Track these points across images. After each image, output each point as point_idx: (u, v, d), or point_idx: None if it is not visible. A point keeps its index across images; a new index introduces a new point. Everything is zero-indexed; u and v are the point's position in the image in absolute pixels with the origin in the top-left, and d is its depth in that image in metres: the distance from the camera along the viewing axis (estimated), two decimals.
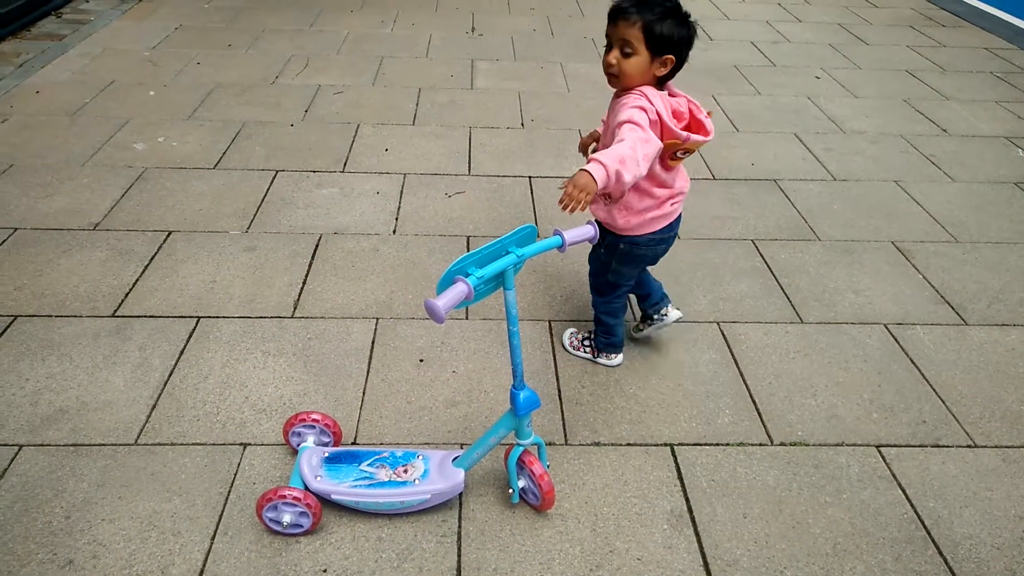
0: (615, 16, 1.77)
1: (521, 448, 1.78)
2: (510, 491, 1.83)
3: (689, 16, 1.77)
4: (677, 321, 2.32)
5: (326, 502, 1.79)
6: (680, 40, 1.76)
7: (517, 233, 1.53)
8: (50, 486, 1.86)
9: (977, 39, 5.58)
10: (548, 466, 1.91)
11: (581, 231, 1.60)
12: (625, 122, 1.74)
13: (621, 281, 2.17)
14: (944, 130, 4.06)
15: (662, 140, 1.78)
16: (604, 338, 2.29)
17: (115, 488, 1.87)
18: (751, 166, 3.59)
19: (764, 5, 6.26)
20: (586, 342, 2.36)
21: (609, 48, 1.81)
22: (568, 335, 2.41)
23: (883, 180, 3.51)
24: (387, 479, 1.77)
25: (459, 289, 1.39)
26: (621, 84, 1.83)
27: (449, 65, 4.72)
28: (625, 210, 1.96)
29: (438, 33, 5.29)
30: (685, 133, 1.78)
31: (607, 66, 1.81)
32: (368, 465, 1.81)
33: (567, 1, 6.13)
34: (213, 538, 1.76)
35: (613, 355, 2.31)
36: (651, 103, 1.77)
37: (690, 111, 1.87)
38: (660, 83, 1.84)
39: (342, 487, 1.75)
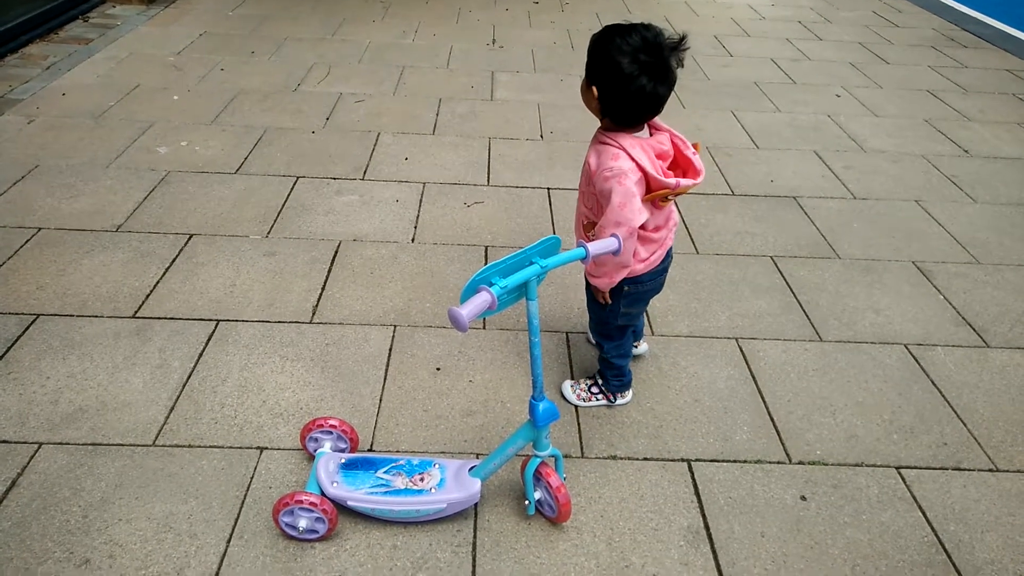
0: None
1: (539, 460, 1.77)
2: (526, 502, 1.82)
3: (642, 32, 1.63)
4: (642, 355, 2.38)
5: (342, 508, 1.79)
6: (594, 58, 1.65)
7: (541, 244, 1.53)
8: (68, 485, 1.87)
9: (1000, 61, 5.55)
10: (565, 478, 1.90)
11: (605, 243, 1.59)
12: (608, 197, 1.68)
13: (632, 321, 2.09)
14: (966, 151, 4.04)
15: (650, 191, 1.72)
16: (617, 381, 2.19)
17: (132, 488, 1.87)
18: (771, 183, 3.58)
19: (784, 23, 6.26)
20: (594, 389, 2.22)
21: None
22: (569, 388, 2.24)
23: (904, 199, 3.49)
24: (403, 487, 1.77)
25: (482, 298, 1.39)
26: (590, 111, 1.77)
27: (469, 76, 4.74)
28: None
29: (459, 44, 5.32)
30: (674, 181, 1.68)
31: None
32: (384, 472, 1.81)
33: (587, 15, 6.16)
34: (229, 541, 1.76)
35: (628, 391, 2.24)
36: (631, 160, 1.67)
37: (675, 147, 1.77)
38: (628, 121, 1.72)
39: (358, 494, 1.75)
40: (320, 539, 1.76)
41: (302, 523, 1.72)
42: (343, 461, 1.84)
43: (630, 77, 1.61)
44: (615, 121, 1.72)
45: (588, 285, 2.03)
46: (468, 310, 1.35)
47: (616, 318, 2.04)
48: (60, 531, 1.76)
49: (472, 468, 1.81)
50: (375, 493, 1.76)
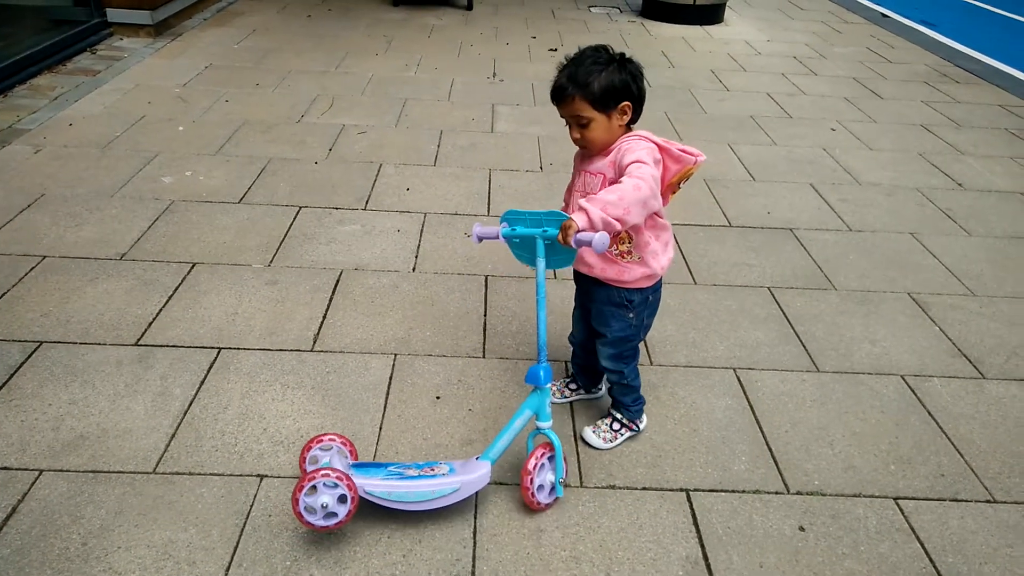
0: (555, 100, 1.82)
1: (537, 431, 1.91)
2: (559, 481, 1.96)
3: (623, 55, 1.79)
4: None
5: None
6: (624, 85, 1.77)
7: (556, 213, 1.71)
8: (68, 512, 1.88)
9: (992, 96, 5.65)
10: (565, 474, 1.97)
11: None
12: (634, 162, 1.73)
13: (644, 335, 2.13)
14: (960, 184, 4.10)
15: (675, 172, 1.82)
16: (637, 404, 2.18)
17: (132, 516, 1.88)
18: (767, 214, 3.63)
19: (780, 59, 6.38)
20: (615, 427, 2.19)
21: (569, 125, 1.84)
22: (592, 434, 2.19)
23: (899, 232, 3.54)
24: (416, 475, 1.83)
25: (494, 229, 1.78)
26: (598, 149, 1.85)
27: (470, 109, 4.82)
28: (657, 254, 1.94)
29: (460, 78, 5.41)
30: (692, 158, 1.80)
31: (576, 143, 1.86)
32: (395, 468, 1.87)
33: None
34: (228, 569, 1.76)
35: (644, 413, 2.25)
36: (651, 141, 1.79)
37: None
38: (631, 125, 1.87)
39: (374, 480, 1.79)
40: (336, 526, 1.74)
41: (324, 500, 1.70)
42: (351, 463, 1.88)
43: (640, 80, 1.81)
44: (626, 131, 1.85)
45: (598, 333, 2.07)
46: (481, 229, 1.80)
47: (641, 331, 2.09)
48: (60, 558, 1.76)
49: (479, 456, 1.89)
50: (391, 477, 1.81)
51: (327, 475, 1.71)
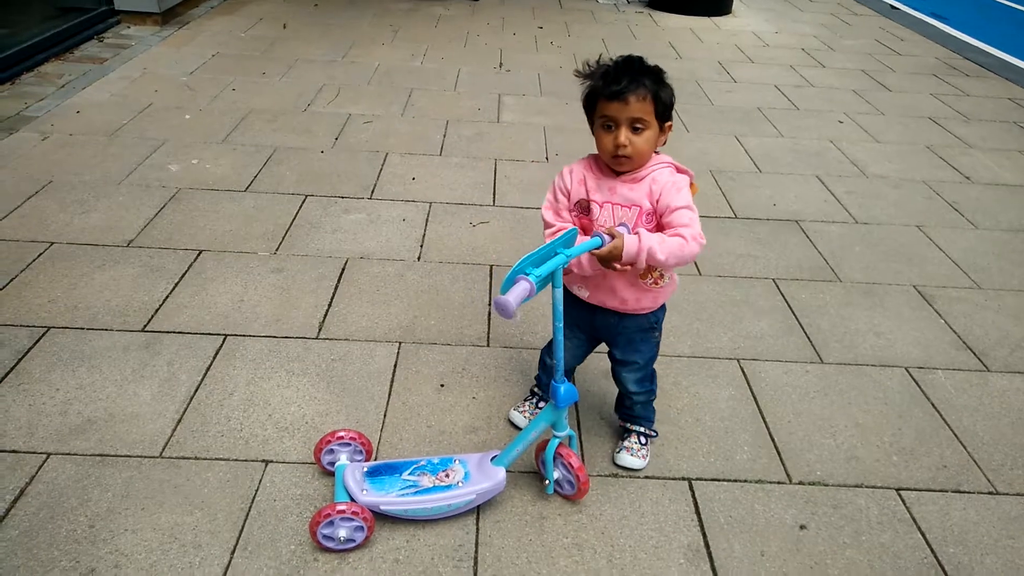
0: (623, 93, 1.63)
1: (558, 440, 1.87)
2: (545, 482, 1.94)
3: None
4: None
5: (375, 514, 1.82)
6: (672, 103, 1.70)
7: (563, 236, 1.63)
8: (75, 495, 1.90)
9: (1001, 89, 5.61)
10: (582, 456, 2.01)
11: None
12: (684, 207, 1.68)
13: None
14: (967, 177, 4.08)
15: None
16: (653, 411, 2.14)
17: (139, 499, 1.90)
18: (773, 206, 3.62)
19: (788, 50, 6.34)
20: (642, 440, 2.11)
21: (612, 127, 1.68)
22: (630, 458, 2.07)
23: (905, 225, 3.53)
24: (431, 485, 1.84)
25: (523, 287, 1.50)
26: (634, 164, 1.72)
27: (476, 99, 4.82)
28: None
29: (467, 68, 5.40)
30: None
31: (619, 148, 1.67)
32: (409, 474, 1.86)
33: (593, 40, 6.26)
34: (233, 553, 1.77)
35: None
36: (679, 169, 1.75)
37: None
38: None
39: (390, 497, 1.80)
40: (356, 548, 1.79)
41: (342, 533, 1.74)
42: (366, 469, 1.88)
43: None
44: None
45: (623, 363, 1.99)
46: (514, 296, 1.48)
47: (657, 350, 2.02)
48: (67, 540, 1.78)
49: (494, 457, 1.89)
50: (406, 494, 1.81)
51: (343, 512, 1.72)
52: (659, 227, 1.73)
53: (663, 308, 1.96)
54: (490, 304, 2.76)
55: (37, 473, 1.95)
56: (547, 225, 1.88)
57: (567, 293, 1.91)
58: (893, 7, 8.12)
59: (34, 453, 2.01)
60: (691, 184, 1.78)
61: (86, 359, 2.35)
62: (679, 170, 1.77)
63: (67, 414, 2.14)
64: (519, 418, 2.21)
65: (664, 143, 1.75)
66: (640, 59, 1.70)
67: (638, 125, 1.66)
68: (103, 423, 2.12)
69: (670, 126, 1.73)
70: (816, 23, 7.32)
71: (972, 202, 3.79)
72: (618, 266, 1.64)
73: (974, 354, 2.65)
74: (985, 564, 1.87)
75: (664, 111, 1.68)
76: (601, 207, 1.77)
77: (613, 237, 1.63)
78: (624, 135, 1.66)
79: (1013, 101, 5.36)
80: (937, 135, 4.65)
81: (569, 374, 2.21)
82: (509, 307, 1.46)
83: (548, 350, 2.15)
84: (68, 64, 4.93)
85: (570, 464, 1.89)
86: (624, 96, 1.63)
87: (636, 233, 1.64)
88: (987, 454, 2.22)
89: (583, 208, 1.81)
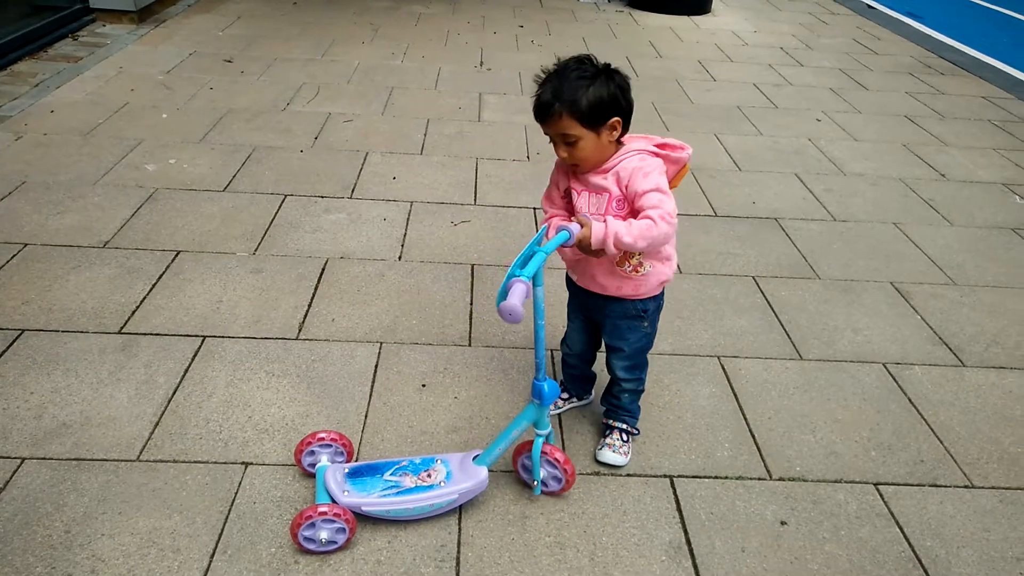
0: (539, 118, 1.71)
1: (542, 439, 1.87)
2: (534, 483, 1.92)
3: (608, 66, 1.70)
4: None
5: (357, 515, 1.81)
6: (613, 99, 1.67)
7: (537, 236, 1.68)
8: (51, 500, 1.87)
9: (976, 88, 5.69)
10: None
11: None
12: (654, 190, 1.69)
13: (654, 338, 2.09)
14: (943, 175, 4.13)
15: (675, 172, 1.80)
16: (638, 406, 2.15)
17: (116, 503, 1.87)
18: (752, 204, 3.65)
19: (767, 49, 6.39)
20: (624, 436, 2.12)
21: (554, 143, 1.74)
22: (612, 454, 2.08)
23: (882, 222, 3.56)
24: (413, 485, 1.83)
25: (520, 287, 1.52)
26: (589, 167, 1.76)
27: (457, 97, 4.81)
28: (670, 258, 1.94)
29: (447, 66, 5.39)
30: (684, 152, 1.78)
31: (563, 160, 1.76)
32: (391, 475, 1.85)
33: (574, 39, 6.27)
34: (212, 556, 1.76)
35: None
36: (654, 154, 1.75)
37: None
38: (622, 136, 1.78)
39: (372, 498, 1.79)
40: (338, 549, 1.77)
41: (323, 535, 1.73)
42: (347, 470, 1.87)
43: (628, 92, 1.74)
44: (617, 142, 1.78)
45: (612, 348, 2.04)
46: (516, 298, 1.50)
47: (651, 340, 2.05)
48: (42, 546, 1.75)
49: (476, 457, 1.88)
50: (388, 495, 1.80)
51: (324, 514, 1.71)
52: (633, 212, 1.76)
53: (654, 300, 1.97)
54: (472, 303, 2.75)
55: (11, 478, 1.92)
56: (545, 213, 1.97)
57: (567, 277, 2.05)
58: (870, 6, 8.20)
59: (8, 458, 1.97)
60: (684, 165, 1.80)
61: (61, 362, 2.32)
62: (659, 151, 1.76)
63: (42, 418, 2.11)
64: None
65: (617, 138, 1.74)
66: (561, 70, 1.69)
67: (569, 140, 1.70)
68: (79, 427, 2.09)
69: (617, 122, 1.70)
70: (795, 22, 7.38)
71: (948, 199, 3.84)
72: (593, 250, 1.68)
73: (950, 349, 2.68)
74: (961, 557, 1.90)
75: (595, 115, 1.66)
76: (579, 195, 1.83)
77: (583, 226, 1.68)
78: (563, 149, 1.73)
79: (987, 99, 5.43)
80: (913, 133, 4.71)
81: (587, 362, 2.24)
82: (516, 309, 1.49)
83: (564, 341, 2.24)
84: (42, 63, 4.86)
85: (555, 460, 1.90)
86: (541, 120, 1.71)
87: (604, 220, 1.68)
88: (963, 448, 2.25)
89: (569, 195, 1.89)
